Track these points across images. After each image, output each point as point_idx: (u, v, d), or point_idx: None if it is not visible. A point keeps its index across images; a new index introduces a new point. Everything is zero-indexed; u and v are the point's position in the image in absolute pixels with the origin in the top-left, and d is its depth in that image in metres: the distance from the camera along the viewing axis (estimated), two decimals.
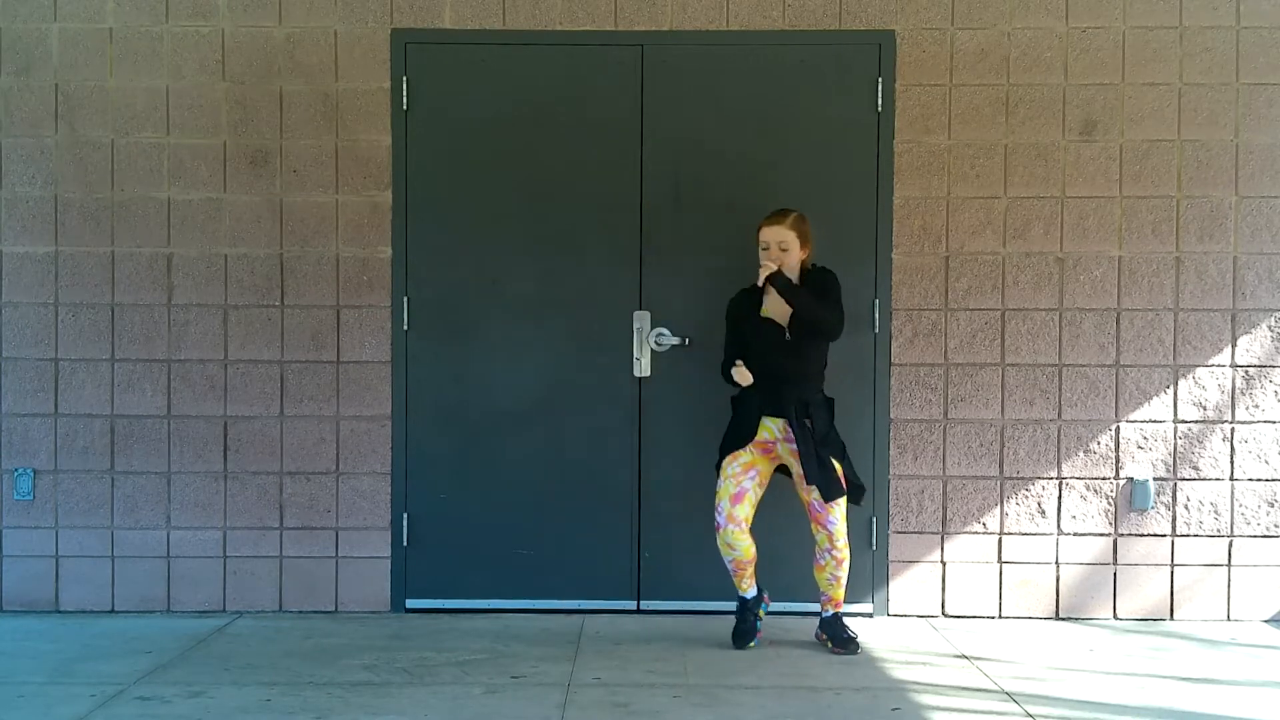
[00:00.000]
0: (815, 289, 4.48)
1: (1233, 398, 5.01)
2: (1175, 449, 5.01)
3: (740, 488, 4.46)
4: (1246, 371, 5.00)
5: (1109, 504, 5.01)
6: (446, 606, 5.04)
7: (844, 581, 4.52)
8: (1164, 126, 5.00)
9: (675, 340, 5.00)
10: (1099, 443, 5.01)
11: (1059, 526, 5.02)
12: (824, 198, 4.97)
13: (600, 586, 5.05)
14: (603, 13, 5.01)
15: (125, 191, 5.02)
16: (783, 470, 4.59)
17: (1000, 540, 5.02)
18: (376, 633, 4.74)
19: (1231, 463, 5.01)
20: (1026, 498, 5.02)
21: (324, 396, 5.03)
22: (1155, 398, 5.00)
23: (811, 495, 4.43)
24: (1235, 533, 5.01)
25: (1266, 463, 5.00)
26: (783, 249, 4.47)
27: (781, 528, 4.90)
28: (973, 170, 5.01)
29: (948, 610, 5.03)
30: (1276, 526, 5.01)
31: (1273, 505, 5.00)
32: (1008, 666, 4.33)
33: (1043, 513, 5.02)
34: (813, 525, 4.47)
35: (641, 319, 5.02)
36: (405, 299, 5.03)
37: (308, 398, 5.03)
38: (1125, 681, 4.16)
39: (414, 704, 3.85)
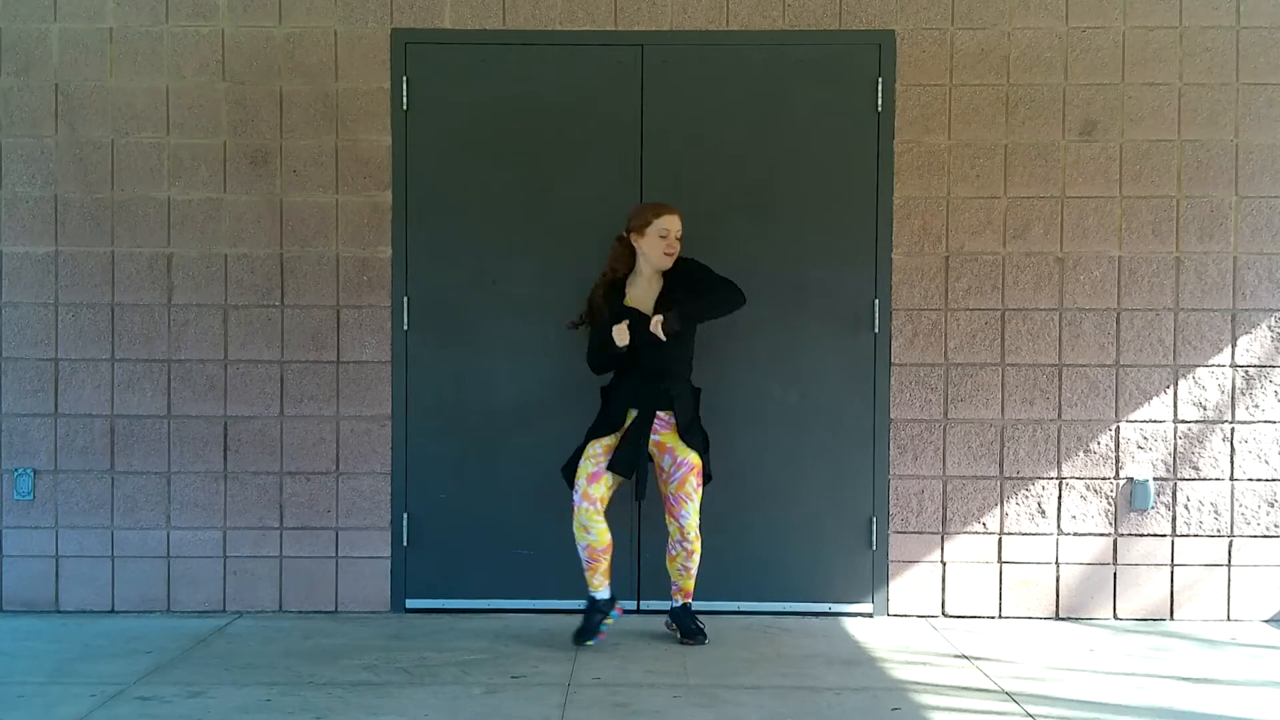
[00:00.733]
0: (690, 281, 4.52)
1: (1233, 398, 5.01)
2: (1175, 449, 5.01)
3: (599, 467, 4.47)
4: (1246, 371, 5.00)
5: (1109, 504, 5.01)
6: (446, 606, 5.04)
7: (694, 573, 4.56)
8: (1164, 126, 5.00)
9: None
10: (1099, 443, 5.01)
11: (1059, 526, 5.02)
12: (824, 197, 4.98)
13: None
14: (603, 13, 5.01)
15: (125, 191, 5.02)
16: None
17: (1000, 540, 5.02)
18: (376, 633, 4.74)
19: (1231, 463, 5.01)
20: (1026, 498, 5.02)
21: (324, 396, 5.03)
22: (1155, 398, 5.00)
23: (669, 488, 4.48)
24: (1235, 533, 5.01)
25: (1266, 463, 5.00)
26: (678, 238, 4.54)
27: (782, 529, 4.90)
28: (973, 170, 5.01)
29: (948, 610, 5.03)
30: (1276, 526, 5.00)
31: (1273, 505, 5.00)
32: (1008, 666, 4.33)
33: (1043, 513, 5.02)
34: (666, 517, 4.52)
35: None
36: (405, 299, 5.03)
37: (308, 398, 5.03)
38: (1125, 681, 4.16)
39: (414, 704, 3.85)
